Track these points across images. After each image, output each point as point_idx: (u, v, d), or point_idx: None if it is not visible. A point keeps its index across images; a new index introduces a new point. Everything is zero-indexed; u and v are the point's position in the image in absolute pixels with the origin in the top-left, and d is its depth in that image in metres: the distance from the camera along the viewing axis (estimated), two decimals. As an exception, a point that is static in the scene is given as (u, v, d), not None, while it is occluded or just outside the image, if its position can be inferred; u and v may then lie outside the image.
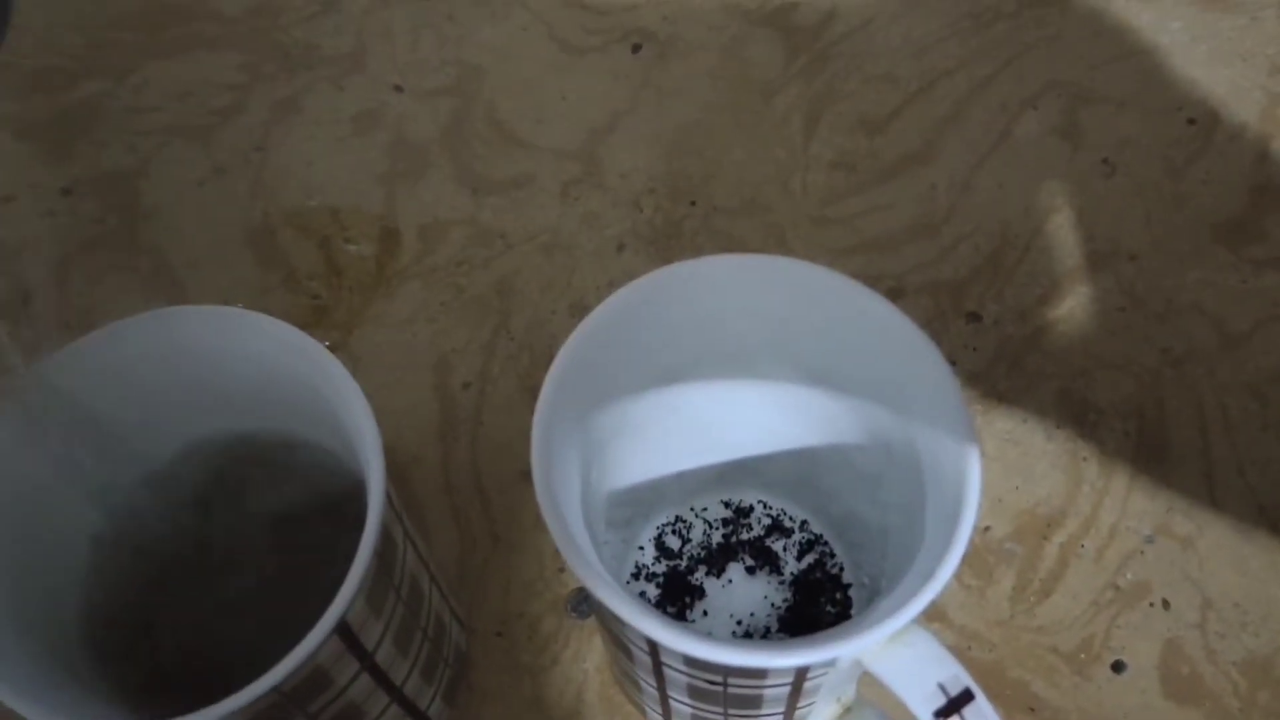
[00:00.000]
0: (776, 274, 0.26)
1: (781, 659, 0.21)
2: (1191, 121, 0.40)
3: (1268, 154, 0.39)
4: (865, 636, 0.21)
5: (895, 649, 0.22)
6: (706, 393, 0.29)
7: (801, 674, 0.22)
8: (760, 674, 0.22)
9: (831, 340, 0.26)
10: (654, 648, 0.22)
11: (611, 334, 0.25)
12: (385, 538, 0.24)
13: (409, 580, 0.26)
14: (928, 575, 0.21)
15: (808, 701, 0.25)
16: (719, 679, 0.23)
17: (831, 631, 0.21)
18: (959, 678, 0.21)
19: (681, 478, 0.32)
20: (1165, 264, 0.37)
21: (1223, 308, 0.36)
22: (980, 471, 0.22)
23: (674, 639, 0.20)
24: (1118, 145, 0.40)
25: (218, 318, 0.25)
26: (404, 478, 0.35)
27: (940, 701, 0.21)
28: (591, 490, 0.27)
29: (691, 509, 0.32)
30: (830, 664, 0.22)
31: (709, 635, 0.21)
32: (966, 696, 0.21)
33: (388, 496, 0.24)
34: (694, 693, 0.24)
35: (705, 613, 0.31)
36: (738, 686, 0.23)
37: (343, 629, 0.22)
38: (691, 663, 0.22)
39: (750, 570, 0.32)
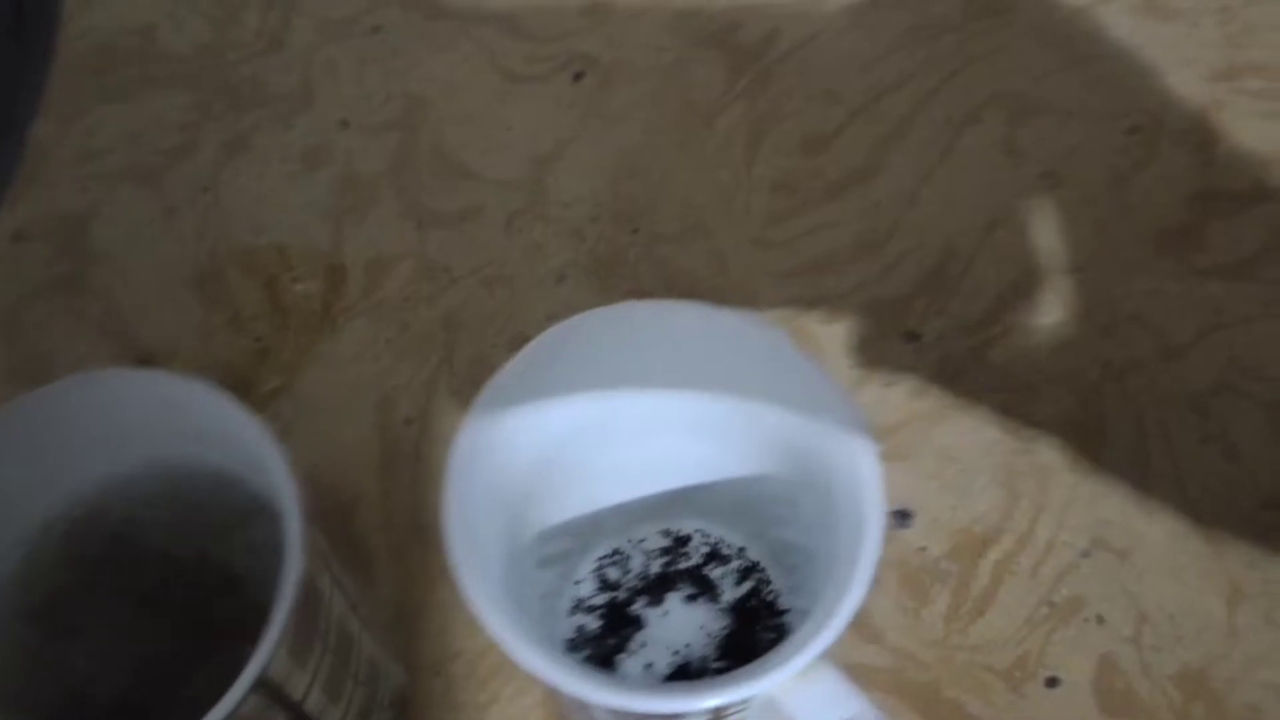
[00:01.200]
0: (682, 317, 0.26)
1: (686, 702, 0.21)
2: (1134, 130, 0.40)
3: (1210, 161, 0.39)
4: (770, 678, 0.21)
5: (802, 686, 0.22)
6: (636, 428, 0.29)
7: (719, 713, 0.23)
8: (674, 717, 0.23)
9: (740, 374, 0.26)
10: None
11: (525, 384, 0.25)
12: (308, 592, 0.24)
13: (336, 628, 0.26)
14: (828, 616, 0.21)
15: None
16: (638, 720, 0.23)
17: (738, 673, 0.22)
18: (864, 713, 0.22)
19: (619, 510, 0.32)
20: (1108, 276, 0.37)
21: (1165, 319, 0.37)
22: (881, 515, 0.22)
23: (575, 686, 0.21)
24: (1062, 156, 0.40)
25: (140, 382, 0.26)
26: (347, 516, 0.35)
27: (842, 739, 0.21)
28: (518, 534, 0.27)
29: (630, 540, 0.33)
30: (742, 703, 0.22)
31: (616, 679, 0.21)
32: (867, 733, 0.21)
33: (311, 550, 0.24)
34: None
35: (644, 643, 0.31)
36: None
37: (264, 684, 0.23)
38: (615, 710, 0.22)
39: (689, 599, 0.32)
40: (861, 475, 0.22)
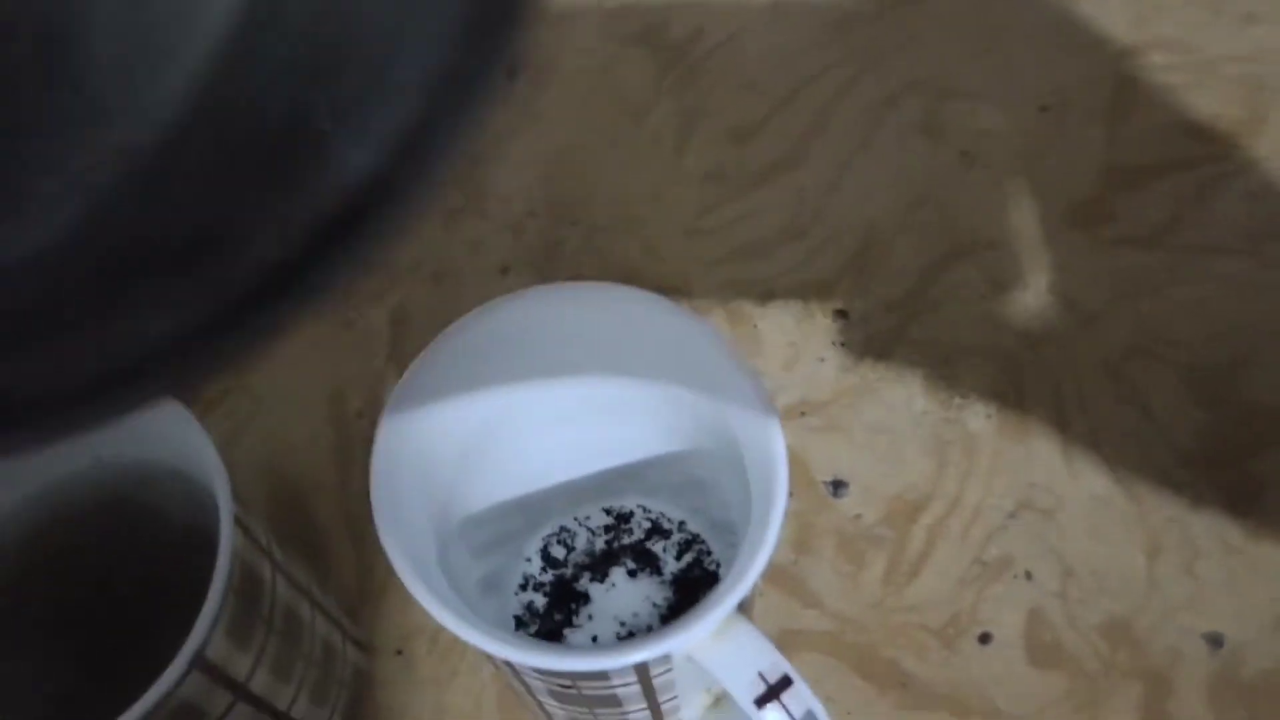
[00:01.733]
0: (594, 299, 0.27)
1: (600, 661, 0.22)
2: (1046, 109, 0.42)
3: (1116, 137, 0.41)
4: (687, 634, 0.22)
5: (719, 643, 0.23)
6: (560, 412, 0.30)
7: (642, 672, 0.24)
8: (601, 675, 0.23)
9: (657, 356, 0.27)
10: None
11: (441, 374, 0.26)
12: (245, 576, 0.25)
13: (282, 611, 0.27)
14: (737, 578, 0.22)
15: (669, 696, 0.26)
16: (568, 683, 0.24)
17: (658, 631, 0.23)
18: (777, 665, 0.23)
19: (564, 489, 0.33)
20: (1024, 250, 0.39)
21: (1079, 289, 0.38)
22: (785, 481, 0.23)
23: (494, 647, 0.22)
24: (976, 138, 0.42)
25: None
26: (306, 507, 0.36)
27: (760, 689, 0.22)
28: (452, 516, 0.28)
29: (575, 518, 0.34)
30: (663, 660, 0.23)
31: (541, 643, 0.22)
32: (785, 682, 0.23)
33: (244, 535, 0.25)
34: (555, 695, 0.25)
35: (590, 617, 0.32)
36: (589, 689, 0.24)
37: (203, 665, 0.23)
38: (536, 669, 0.23)
39: (632, 573, 0.33)
40: (769, 449, 0.24)
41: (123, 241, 0.14)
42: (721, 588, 0.23)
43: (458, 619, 0.22)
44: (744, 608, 0.26)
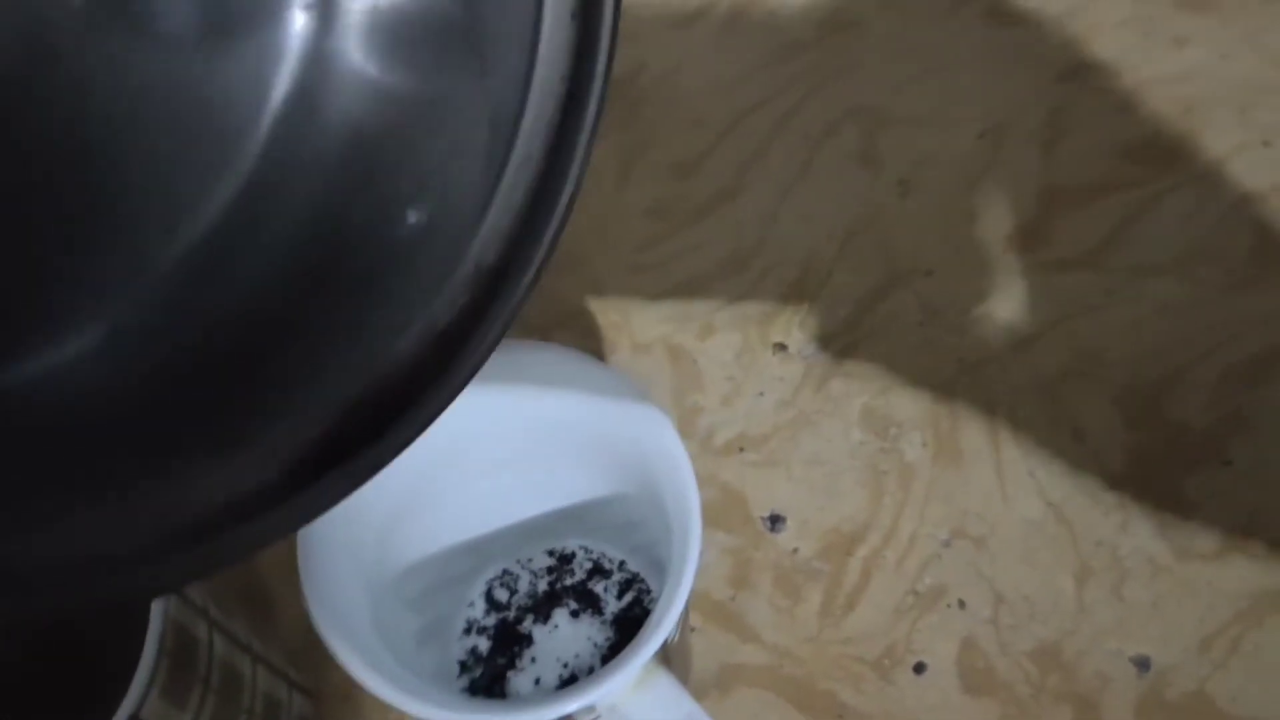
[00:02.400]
0: (517, 356, 0.28)
1: (524, 714, 0.23)
2: (983, 134, 0.43)
3: (1052, 160, 0.42)
4: (608, 685, 0.23)
5: (638, 694, 0.24)
6: (504, 457, 0.31)
7: (566, 721, 0.24)
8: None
9: (577, 403, 0.28)
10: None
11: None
12: (178, 638, 0.26)
13: (220, 668, 0.28)
14: (653, 628, 0.23)
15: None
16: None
17: (578, 685, 0.23)
18: (693, 715, 0.24)
19: (506, 532, 0.34)
20: (960, 276, 0.40)
21: (1014, 312, 0.39)
22: (699, 535, 0.24)
23: (414, 707, 0.23)
24: (914, 165, 0.42)
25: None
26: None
27: (677, 739, 0.23)
28: (388, 566, 0.29)
29: (518, 560, 0.35)
30: (588, 710, 0.24)
31: (457, 698, 0.23)
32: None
33: (176, 598, 0.26)
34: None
35: (534, 659, 0.33)
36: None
37: (136, 729, 0.24)
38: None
39: (574, 614, 0.34)
40: (686, 498, 0.24)
41: (157, 379, 0.15)
42: (636, 642, 0.23)
43: (377, 677, 0.23)
44: (672, 650, 0.27)
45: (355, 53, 0.15)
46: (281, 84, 0.15)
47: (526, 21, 0.15)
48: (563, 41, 0.15)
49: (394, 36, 0.16)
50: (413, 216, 0.16)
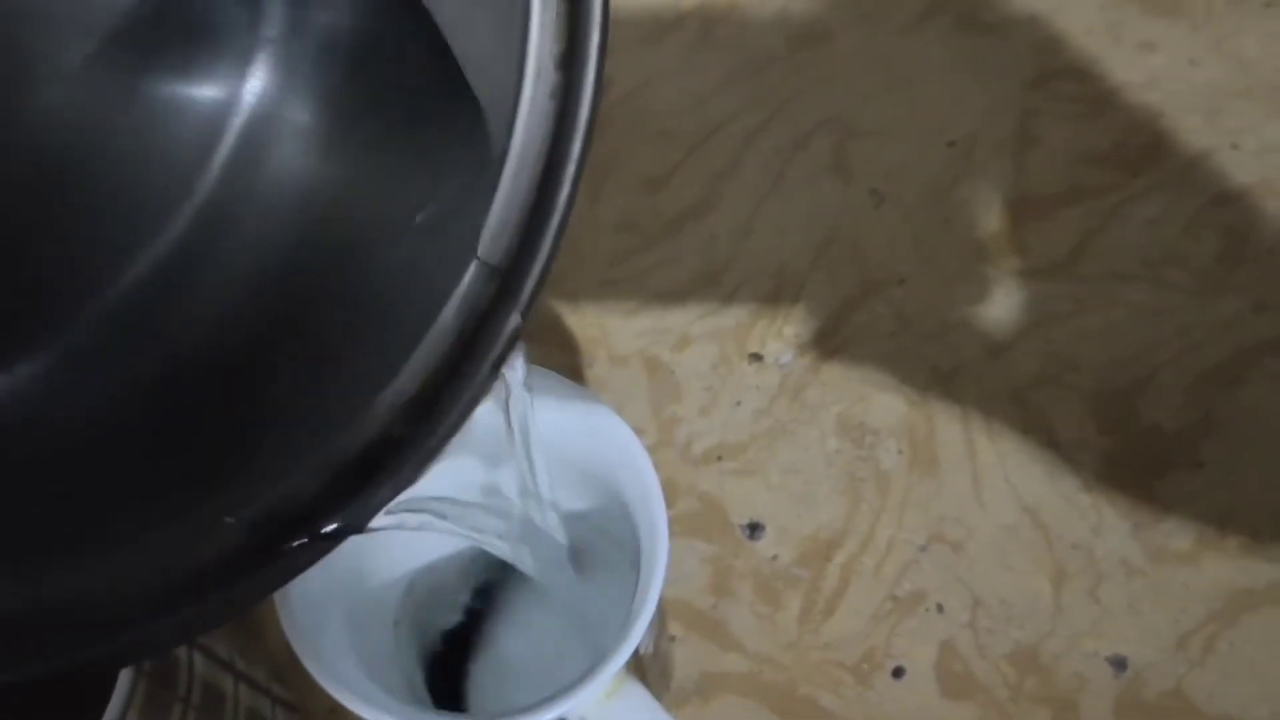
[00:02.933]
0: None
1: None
2: (952, 144, 0.43)
3: (1023, 168, 0.42)
4: (580, 696, 0.23)
5: (610, 704, 0.24)
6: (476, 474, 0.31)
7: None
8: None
9: (543, 418, 0.28)
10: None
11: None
12: (156, 661, 0.26)
13: (200, 687, 0.28)
14: (620, 640, 0.23)
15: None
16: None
17: (551, 696, 0.23)
18: (664, 726, 0.24)
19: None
20: (933, 285, 0.40)
21: (986, 320, 0.39)
22: (665, 542, 0.24)
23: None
24: (885, 175, 0.43)
25: None
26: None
27: (649, 749, 0.23)
28: (364, 580, 0.29)
29: (491, 570, 0.35)
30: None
31: (428, 713, 0.23)
32: (672, 743, 0.23)
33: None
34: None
35: (501, 664, 0.33)
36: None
37: (112, 750, 0.24)
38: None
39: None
40: (651, 506, 0.24)
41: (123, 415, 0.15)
42: (608, 649, 0.24)
43: (349, 694, 0.23)
44: (647, 660, 0.27)
45: (307, 110, 0.15)
46: (234, 129, 0.15)
47: (507, 95, 0.15)
48: (543, 116, 0.16)
49: (354, 105, 0.16)
50: (382, 271, 0.16)
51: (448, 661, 0.33)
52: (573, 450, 0.28)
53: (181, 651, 0.27)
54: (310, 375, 0.15)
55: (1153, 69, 0.44)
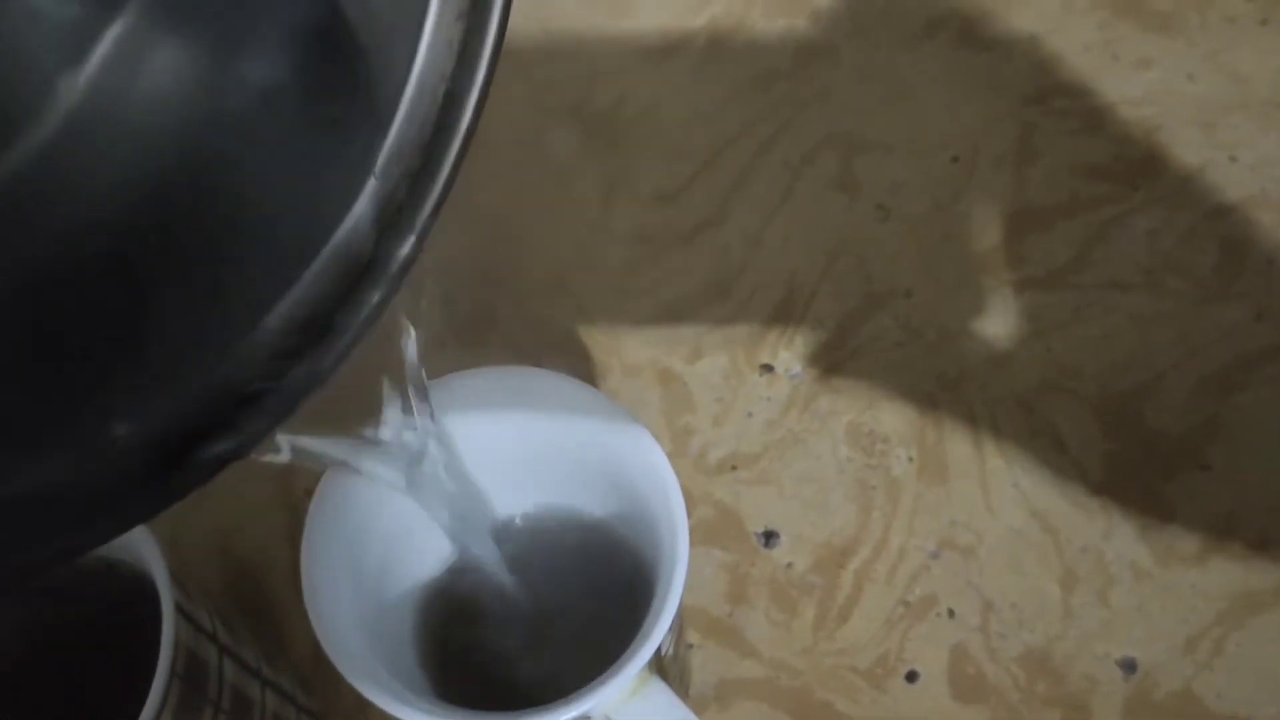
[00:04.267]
0: (509, 382, 0.29)
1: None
2: (955, 159, 0.44)
3: (1023, 181, 0.43)
4: (601, 694, 0.24)
5: (634, 702, 0.25)
6: (500, 479, 0.31)
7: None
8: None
9: (566, 425, 0.29)
10: None
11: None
12: (189, 662, 0.26)
13: (230, 693, 0.28)
14: (644, 639, 0.24)
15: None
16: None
17: (573, 695, 0.24)
18: (688, 723, 0.24)
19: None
20: (938, 296, 0.41)
21: (990, 330, 0.40)
22: (685, 541, 0.25)
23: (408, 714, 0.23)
24: (890, 189, 0.43)
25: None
26: (257, 584, 0.37)
27: (674, 748, 0.24)
28: (389, 587, 0.29)
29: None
30: (583, 718, 0.25)
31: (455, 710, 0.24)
32: (699, 741, 0.24)
33: (187, 622, 0.27)
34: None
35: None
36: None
37: (148, 752, 0.25)
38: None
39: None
40: (671, 508, 0.25)
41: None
42: (631, 648, 0.24)
43: (381, 693, 0.24)
44: (667, 663, 0.28)
45: (184, 30, 0.15)
46: (106, 38, 0.15)
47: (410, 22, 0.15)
48: (447, 41, 0.16)
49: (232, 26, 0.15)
50: (266, 191, 0.15)
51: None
52: (595, 457, 0.28)
53: (212, 657, 0.28)
54: (195, 294, 0.15)
55: (1149, 84, 0.45)
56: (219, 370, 0.14)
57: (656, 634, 0.24)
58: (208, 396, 0.14)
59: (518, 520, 0.32)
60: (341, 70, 0.16)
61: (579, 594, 0.35)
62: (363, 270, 0.15)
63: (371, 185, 0.15)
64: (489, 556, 0.30)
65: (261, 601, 0.37)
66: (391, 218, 0.15)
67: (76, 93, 0.14)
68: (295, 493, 0.38)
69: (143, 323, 0.15)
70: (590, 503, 0.32)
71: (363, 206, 0.15)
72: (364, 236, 0.15)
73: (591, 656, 0.31)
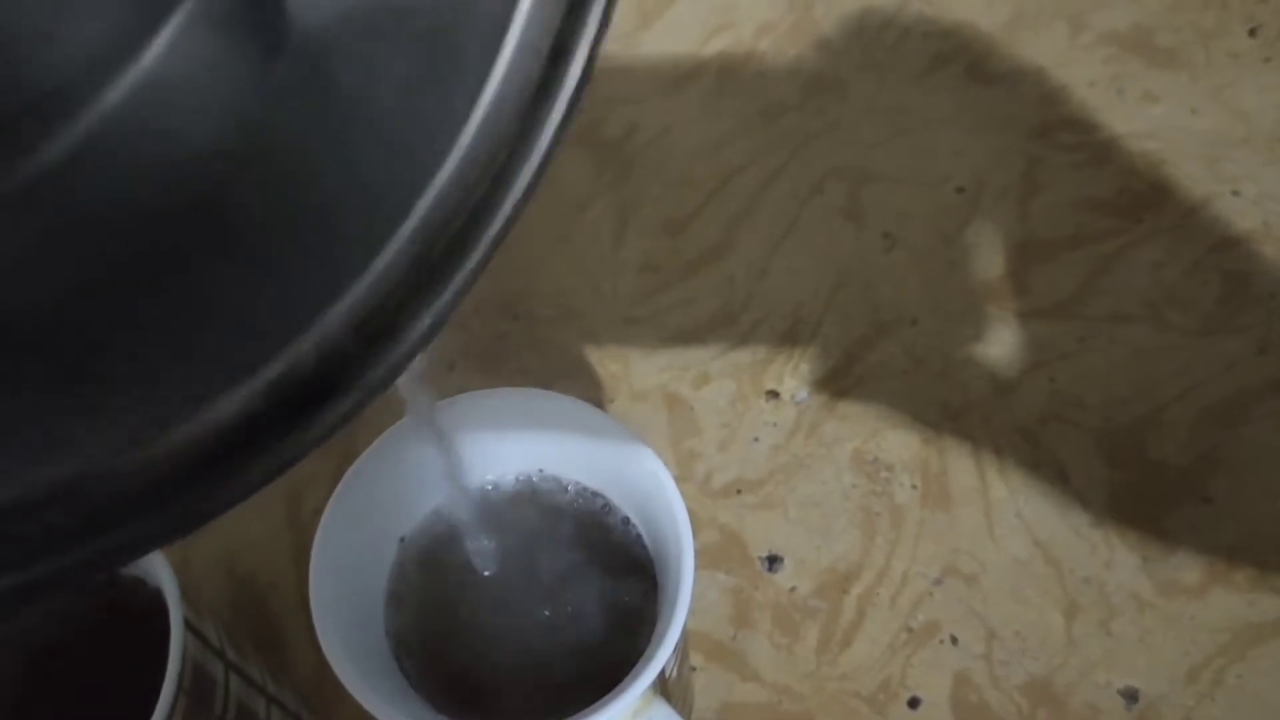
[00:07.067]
0: (522, 404, 0.29)
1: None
2: (960, 190, 0.44)
3: (1029, 212, 0.43)
4: (605, 714, 0.24)
5: (639, 723, 0.25)
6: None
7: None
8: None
9: (576, 447, 0.29)
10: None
11: (387, 470, 0.28)
12: (196, 676, 0.27)
13: (236, 708, 0.29)
14: (648, 661, 0.24)
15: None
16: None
17: (582, 713, 0.24)
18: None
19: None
20: (942, 325, 0.41)
21: (994, 360, 0.40)
22: (692, 563, 0.25)
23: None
24: (896, 219, 0.44)
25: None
26: (262, 602, 0.37)
27: (678, 769, 0.24)
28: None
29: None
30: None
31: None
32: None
33: (195, 637, 0.27)
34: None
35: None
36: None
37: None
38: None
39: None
40: (678, 529, 0.25)
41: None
42: (635, 669, 0.24)
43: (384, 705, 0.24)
44: (671, 685, 0.28)
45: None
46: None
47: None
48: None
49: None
50: (326, 184, 0.14)
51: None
52: (605, 474, 0.29)
53: (219, 672, 0.28)
54: (251, 285, 0.14)
55: (1154, 119, 0.46)
56: (274, 367, 0.14)
57: (661, 655, 0.24)
58: (264, 391, 0.14)
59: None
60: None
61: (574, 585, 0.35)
62: (430, 271, 0.14)
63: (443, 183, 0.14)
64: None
65: (265, 619, 0.37)
66: (465, 222, 0.14)
67: (149, 58, 0.13)
68: (303, 512, 0.39)
69: (198, 317, 0.14)
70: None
71: (430, 205, 0.14)
72: (432, 238, 0.14)
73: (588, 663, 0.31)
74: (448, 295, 0.15)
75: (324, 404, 0.14)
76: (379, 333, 0.14)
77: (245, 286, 0.14)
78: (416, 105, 0.14)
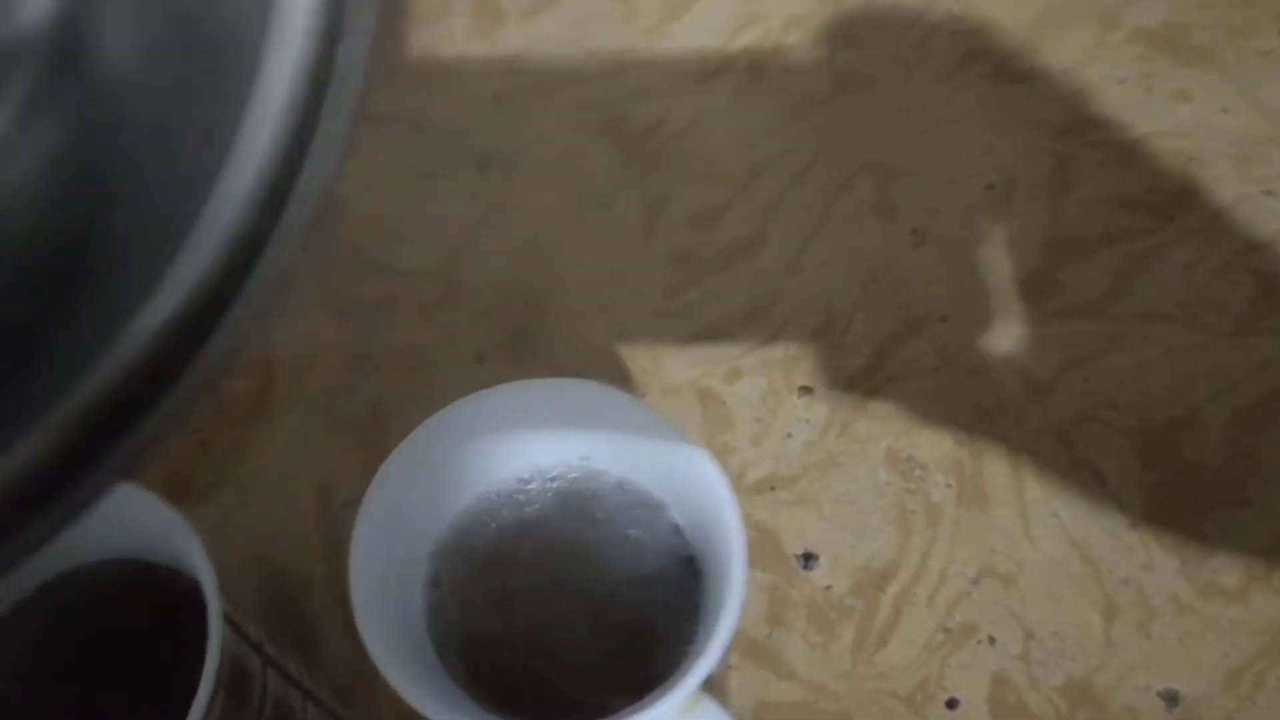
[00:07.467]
0: (562, 393, 0.29)
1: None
2: (990, 187, 0.44)
3: (1058, 210, 0.43)
4: (653, 712, 0.24)
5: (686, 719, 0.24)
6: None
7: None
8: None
9: (623, 439, 0.28)
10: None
11: (423, 462, 0.27)
12: (234, 670, 0.26)
13: (273, 703, 0.28)
14: (697, 658, 0.24)
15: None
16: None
17: (626, 710, 0.24)
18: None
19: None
20: (974, 323, 0.41)
21: (1026, 359, 0.40)
22: (743, 563, 0.25)
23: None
24: (926, 215, 0.44)
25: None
26: (295, 598, 0.37)
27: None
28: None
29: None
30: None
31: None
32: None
33: (233, 631, 0.26)
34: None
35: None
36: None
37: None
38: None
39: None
40: (728, 529, 0.25)
41: None
42: (684, 666, 0.24)
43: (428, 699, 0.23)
44: (714, 682, 0.27)
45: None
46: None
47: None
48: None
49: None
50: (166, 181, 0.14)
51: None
52: (653, 469, 0.28)
53: (256, 666, 0.27)
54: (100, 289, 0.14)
55: (1184, 117, 0.45)
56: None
57: (713, 652, 0.24)
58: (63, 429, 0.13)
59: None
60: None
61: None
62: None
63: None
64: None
65: (299, 614, 0.36)
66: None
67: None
68: (335, 503, 0.38)
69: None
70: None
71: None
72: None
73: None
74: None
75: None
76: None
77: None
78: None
